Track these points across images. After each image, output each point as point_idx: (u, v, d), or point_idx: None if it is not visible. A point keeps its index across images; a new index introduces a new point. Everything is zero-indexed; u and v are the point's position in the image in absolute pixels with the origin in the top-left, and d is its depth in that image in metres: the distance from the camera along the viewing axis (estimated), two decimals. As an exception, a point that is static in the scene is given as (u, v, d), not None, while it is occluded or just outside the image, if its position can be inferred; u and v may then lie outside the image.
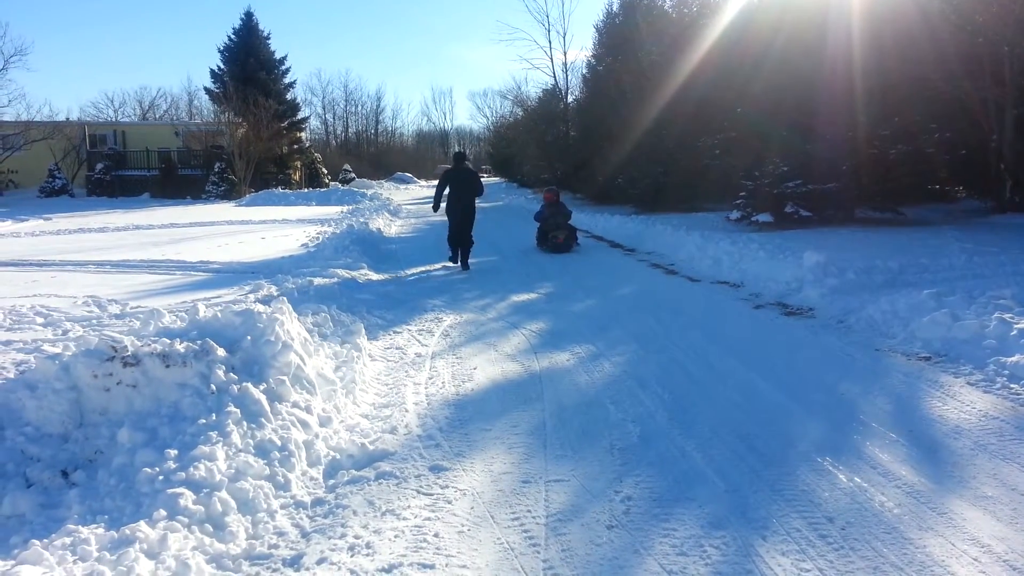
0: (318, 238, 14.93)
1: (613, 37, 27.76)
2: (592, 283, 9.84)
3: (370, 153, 75.56)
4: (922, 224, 13.28)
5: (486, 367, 5.88)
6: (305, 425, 4.23)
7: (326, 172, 48.68)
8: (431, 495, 3.64)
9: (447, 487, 3.73)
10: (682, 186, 19.77)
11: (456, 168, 12.02)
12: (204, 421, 3.85)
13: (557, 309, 8.10)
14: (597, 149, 24.43)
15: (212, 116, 40.85)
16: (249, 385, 4.20)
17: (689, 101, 19.46)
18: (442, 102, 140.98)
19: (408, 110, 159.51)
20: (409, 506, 3.53)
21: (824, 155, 13.52)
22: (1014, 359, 5.02)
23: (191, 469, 3.45)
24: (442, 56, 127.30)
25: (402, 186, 57.09)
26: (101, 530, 3.08)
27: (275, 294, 7.96)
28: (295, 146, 43.79)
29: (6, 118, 34.53)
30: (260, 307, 5.10)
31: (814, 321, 7.09)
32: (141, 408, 3.98)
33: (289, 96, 44.91)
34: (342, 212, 23.68)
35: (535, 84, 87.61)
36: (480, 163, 68.40)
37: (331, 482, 3.82)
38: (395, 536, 3.25)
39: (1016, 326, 5.42)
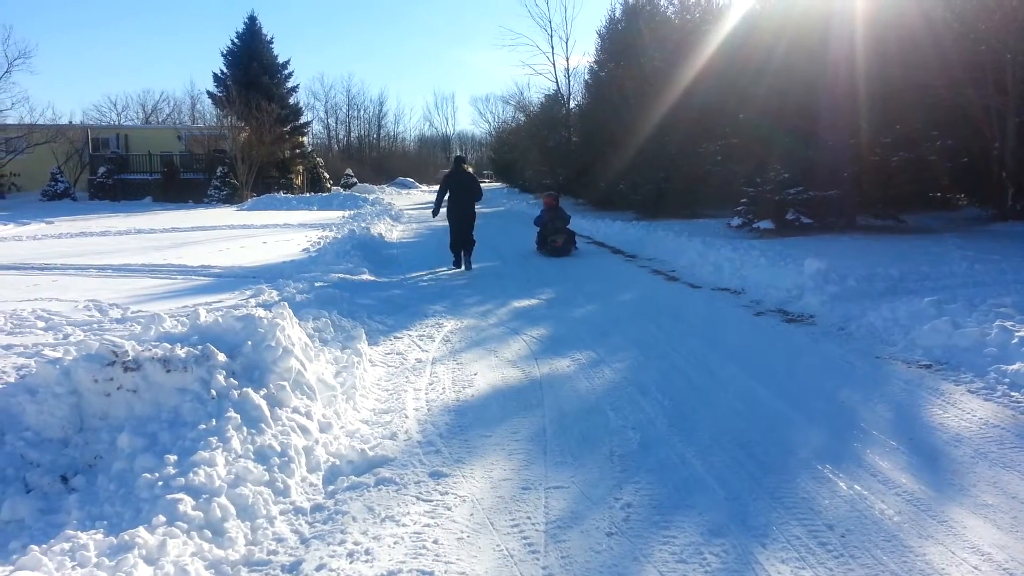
0: (320, 243, 14.95)
1: (615, 43, 27.79)
2: (593, 289, 9.84)
3: (372, 158, 75.55)
4: (923, 232, 13.28)
5: (486, 373, 5.88)
6: (305, 431, 4.23)
7: (328, 177, 48.74)
8: (431, 501, 3.64)
9: (447, 493, 3.72)
10: (684, 192, 19.79)
11: (455, 172, 12.15)
12: (204, 426, 3.85)
13: (558, 315, 8.10)
14: (599, 155, 24.45)
15: (215, 120, 40.90)
16: (249, 390, 4.20)
17: (691, 107, 19.48)
18: (444, 107, 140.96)
19: (410, 115, 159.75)
20: (408, 512, 3.53)
21: (826, 162, 13.53)
22: (1015, 367, 5.01)
23: (191, 474, 3.45)
24: (445, 61, 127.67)
25: (404, 191, 57.12)
26: (100, 536, 3.08)
27: (276, 299, 7.97)
28: (297, 150, 43.85)
29: (9, 121, 34.70)
30: (261, 312, 5.11)
31: (815, 328, 7.08)
32: (141, 413, 3.98)
33: (292, 100, 45.04)
34: (344, 217, 23.71)
35: (537, 89, 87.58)
36: (482, 168, 68.59)
37: (331, 488, 3.81)
38: (394, 543, 3.24)
39: (1017, 334, 5.41)
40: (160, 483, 3.41)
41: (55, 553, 2.91)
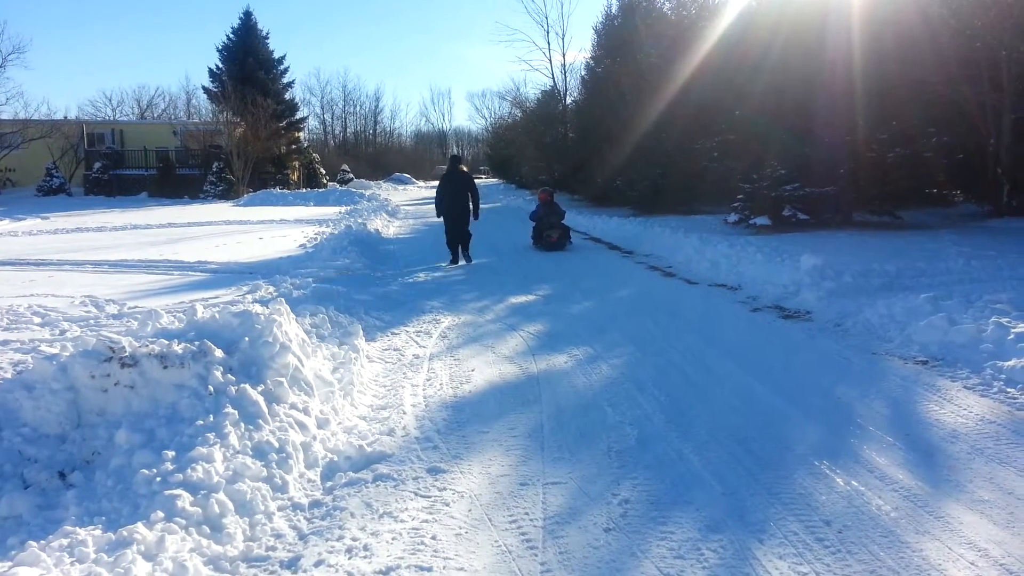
0: (316, 238, 14.93)
1: (612, 39, 27.75)
2: (590, 285, 9.84)
3: (368, 153, 75.53)
4: (919, 228, 13.30)
5: (484, 369, 5.89)
6: (303, 427, 4.23)
7: (324, 172, 48.67)
8: (429, 497, 3.64)
9: (445, 489, 3.73)
10: (680, 188, 19.78)
11: (451, 171, 12.31)
12: (202, 422, 3.85)
13: (555, 311, 8.11)
14: (596, 151, 24.45)
15: (210, 115, 40.93)
16: (247, 386, 4.20)
17: (688, 103, 19.47)
18: (441, 103, 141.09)
19: (407, 110, 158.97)
20: (407, 508, 3.53)
21: (822, 158, 13.53)
22: (1011, 363, 5.03)
23: (189, 471, 3.45)
24: (441, 56, 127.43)
25: (400, 187, 57.06)
26: (98, 532, 3.08)
27: (273, 295, 7.96)
28: (293, 146, 43.77)
29: (4, 116, 34.56)
30: (258, 308, 5.11)
31: (811, 324, 7.10)
32: (139, 409, 3.98)
33: (287, 96, 44.90)
34: (340, 213, 23.66)
35: (534, 85, 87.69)
36: (478, 164, 68.42)
37: (329, 484, 3.82)
38: (393, 538, 3.25)
39: (1013, 330, 5.43)
40: (158, 479, 3.41)
41: (53, 549, 2.91)
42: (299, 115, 46.81)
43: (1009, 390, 4.79)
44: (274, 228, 18.29)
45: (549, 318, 7.73)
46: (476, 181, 13.25)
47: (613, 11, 28.65)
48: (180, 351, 4.19)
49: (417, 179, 66.35)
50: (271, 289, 8.50)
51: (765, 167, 14.35)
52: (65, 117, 40.62)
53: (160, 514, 3.16)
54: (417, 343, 6.79)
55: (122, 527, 3.07)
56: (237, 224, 19.65)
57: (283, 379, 4.49)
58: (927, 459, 3.88)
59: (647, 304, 8.43)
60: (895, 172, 13.39)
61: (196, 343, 4.33)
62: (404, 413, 4.85)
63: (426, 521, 3.40)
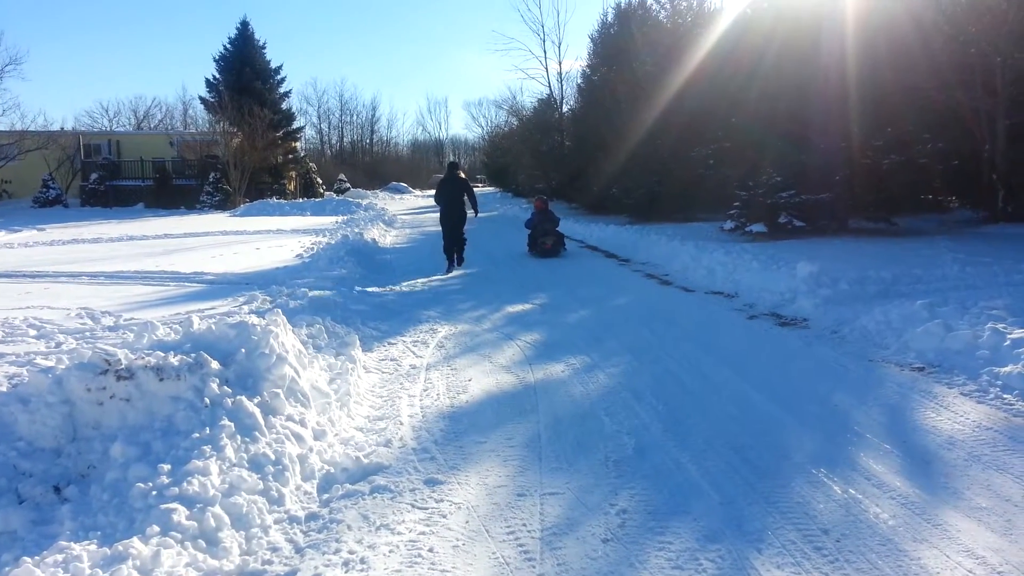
0: (313, 249, 14.92)
1: (608, 47, 27.89)
2: (586, 293, 9.85)
3: (365, 163, 75.53)
4: (915, 234, 13.33)
5: (481, 379, 5.88)
6: (299, 438, 4.22)
7: (321, 182, 48.70)
8: (426, 509, 3.63)
9: (442, 501, 3.72)
10: (676, 196, 19.83)
11: (449, 176, 12.51)
12: (198, 435, 3.83)
13: (552, 320, 8.11)
14: (592, 159, 24.51)
15: (207, 126, 40.80)
16: (243, 398, 4.19)
17: (683, 111, 19.54)
18: (437, 112, 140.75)
19: (403, 120, 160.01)
20: (404, 520, 3.52)
21: (817, 165, 13.58)
22: (1007, 369, 5.03)
23: (184, 484, 3.43)
24: (437, 66, 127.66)
25: (397, 196, 57.11)
26: (94, 547, 3.06)
27: (269, 305, 7.94)
28: (290, 156, 43.78)
29: (0, 128, 34.53)
30: (254, 319, 5.10)
31: (808, 332, 7.10)
32: (134, 422, 3.96)
33: (284, 106, 44.94)
34: (337, 222, 23.64)
35: (530, 94, 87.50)
36: (475, 173, 68.49)
37: (325, 496, 3.80)
38: (390, 551, 3.23)
39: (1009, 336, 5.44)
40: (154, 493, 3.40)
41: (48, 565, 2.89)
42: (296, 125, 46.89)
43: (1006, 396, 4.79)
44: (271, 238, 18.28)
45: (546, 327, 7.72)
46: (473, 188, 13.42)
47: (609, 19, 28.88)
48: (176, 363, 4.18)
49: (414, 188, 66.38)
50: (267, 300, 8.48)
51: (761, 174, 14.39)
52: (61, 128, 40.76)
53: (156, 528, 3.15)
54: (414, 353, 6.79)
55: (117, 542, 3.05)
56: (234, 234, 19.64)
57: (279, 390, 4.47)
58: (924, 466, 3.87)
59: (644, 312, 8.43)
60: (890, 178, 13.43)
61: (192, 355, 4.32)
62: (401, 424, 4.84)
63: (423, 533, 3.39)
